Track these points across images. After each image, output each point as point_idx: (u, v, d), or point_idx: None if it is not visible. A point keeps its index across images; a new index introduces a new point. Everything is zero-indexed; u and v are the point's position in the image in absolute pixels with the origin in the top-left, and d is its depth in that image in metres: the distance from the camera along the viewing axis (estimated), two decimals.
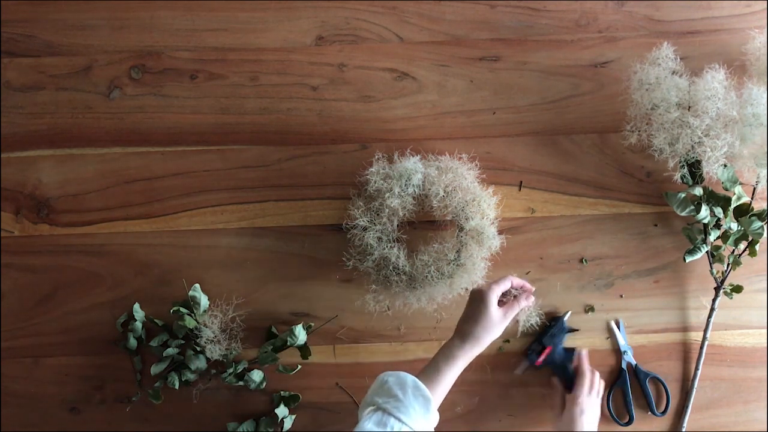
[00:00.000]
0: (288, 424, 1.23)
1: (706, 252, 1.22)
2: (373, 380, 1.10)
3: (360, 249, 1.21)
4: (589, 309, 1.26)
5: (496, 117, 1.28)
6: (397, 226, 1.21)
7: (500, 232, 1.20)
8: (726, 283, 1.22)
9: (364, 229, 1.19)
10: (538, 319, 1.18)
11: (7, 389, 1.26)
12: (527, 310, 1.16)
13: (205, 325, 1.22)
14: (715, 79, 1.17)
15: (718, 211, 1.19)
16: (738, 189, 1.19)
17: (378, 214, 1.20)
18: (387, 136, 1.28)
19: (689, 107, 1.18)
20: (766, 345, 1.25)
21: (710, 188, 1.20)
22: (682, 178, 1.20)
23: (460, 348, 1.09)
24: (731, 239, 1.20)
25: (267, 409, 1.26)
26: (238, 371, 1.23)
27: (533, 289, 1.16)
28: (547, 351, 1.21)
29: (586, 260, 1.26)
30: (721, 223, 1.21)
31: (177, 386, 1.22)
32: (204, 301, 1.23)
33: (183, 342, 1.24)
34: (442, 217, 1.23)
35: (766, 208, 1.20)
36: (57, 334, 1.26)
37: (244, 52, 1.29)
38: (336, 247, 1.26)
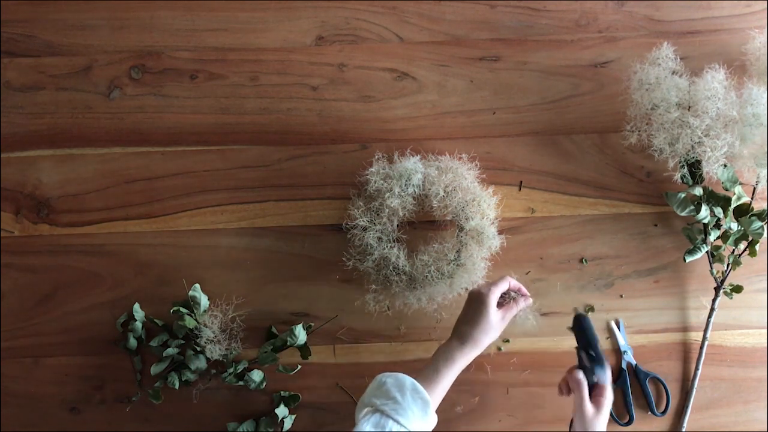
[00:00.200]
0: (288, 424, 1.23)
1: (706, 252, 1.22)
2: (372, 380, 1.10)
3: (360, 249, 1.21)
4: (589, 309, 1.26)
5: (496, 117, 1.28)
6: (397, 226, 1.21)
7: (500, 232, 1.20)
8: (726, 283, 1.22)
9: (364, 229, 1.19)
10: (534, 323, 1.16)
11: (7, 389, 1.26)
12: (525, 311, 1.16)
13: (205, 325, 1.22)
14: (715, 79, 1.17)
15: (718, 211, 1.19)
16: (738, 189, 1.19)
17: (378, 214, 1.20)
18: (387, 136, 1.28)
19: (689, 107, 1.18)
20: (766, 345, 1.25)
21: (710, 188, 1.20)
22: (682, 178, 1.20)
23: (459, 350, 1.09)
24: (731, 239, 1.20)
25: (267, 409, 1.26)
26: (238, 371, 1.23)
27: (529, 296, 1.15)
28: (603, 387, 1.15)
29: (586, 260, 1.26)
30: (721, 223, 1.21)
31: (177, 386, 1.22)
32: (204, 301, 1.23)
33: (183, 342, 1.24)
34: (442, 217, 1.23)
35: (766, 208, 1.20)
36: (57, 334, 1.26)
37: (244, 52, 1.29)
38: (336, 247, 1.26)
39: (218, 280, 1.26)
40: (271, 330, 1.25)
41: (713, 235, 1.21)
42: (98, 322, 1.26)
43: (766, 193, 1.24)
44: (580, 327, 1.13)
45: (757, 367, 1.25)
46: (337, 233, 1.26)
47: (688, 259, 1.21)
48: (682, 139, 1.16)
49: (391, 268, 1.19)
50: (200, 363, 1.22)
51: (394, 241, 1.20)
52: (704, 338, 1.23)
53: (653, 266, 1.26)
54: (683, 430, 1.23)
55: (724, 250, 1.22)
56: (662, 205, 1.26)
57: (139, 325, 1.24)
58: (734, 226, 1.19)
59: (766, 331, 1.25)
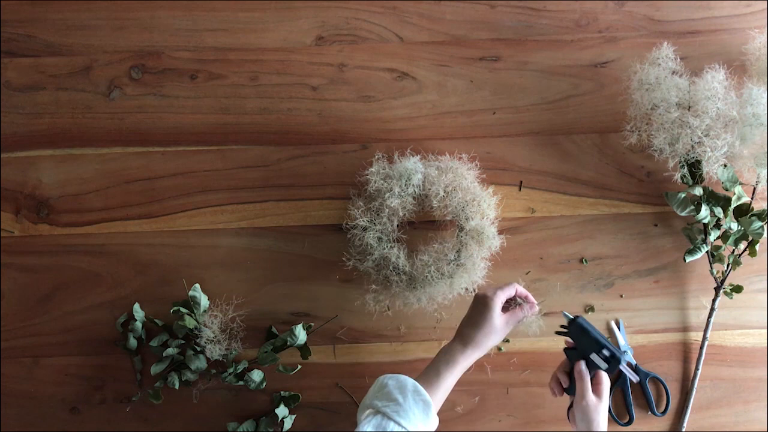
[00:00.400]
0: (288, 424, 1.23)
1: (706, 252, 1.22)
2: (373, 380, 1.10)
3: (360, 249, 1.21)
4: (589, 309, 1.26)
5: (496, 117, 1.28)
6: (397, 226, 1.21)
7: (500, 232, 1.20)
8: (726, 283, 1.22)
9: (364, 229, 1.19)
10: (537, 330, 1.15)
11: (7, 389, 1.26)
12: (529, 318, 1.15)
13: (205, 325, 1.22)
14: (715, 79, 1.17)
15: (718, 211, 1.19)
16: (738, 189, 1.19)
17: (378, 214, 1.20)
18: (387, 136, 1.28)
19: (689, 107, 1.18)
20: (766, 345, 1.25)
21: (710, 188, 1.20)
22: (682, 178, 1.20)
23: (462, 352, 1.09)
24: (731, 239, 1.20)
25: (267, 409, 1.26)
26: (238, 371, 1.23)
27: (536, 303, 1.14)
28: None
29: (586, 260, 1.26)
30: (721, 223, 1.21)
31: (177, 386, 1.22)
32: (204, 301, 1.23)
33: (183, 342, 1.24)
34: (442, 217, 1.23)
35: (766, 208, 1.20)
36: (57, 334, 1.26)
37: (244, 52, 1.29)
38: (336, 247, 1.26)
39: (218, 280, 1.26)
40: (271, 330, 1.25)
41: (713, 235, 1.21)
42: (98, 322, 1.26)
43: (766, 193, 1.24)
44: (581, 330, 1.12)
45: (757, 367, 1.25)
46: (337, 233, 1.26)
47: (688, 259, 1.21)
48: (682, 139, 1.16)
49: (391, 268, 1.19)
50: (200, 363, 1.22)
51: (394, 241, 1.20)
52: (704, 338, 1.23)
53: (653, 266, 1.26)
54: (683, 430, 1.23)
55: (724, 250, 1.22)
56: (662, 205, 1.26)
57: (139, 325, 1.24)
58: (734, 226, 1.19)
59: (766, 331, 1.25)
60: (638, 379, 1.21)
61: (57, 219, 1.28)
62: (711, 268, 1.22)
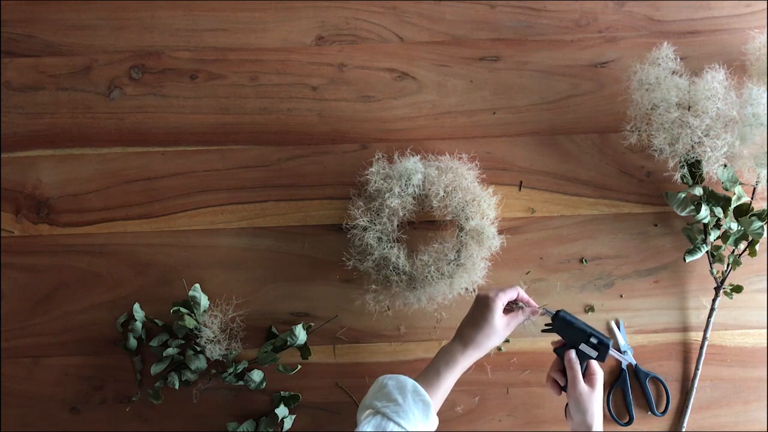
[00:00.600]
0: (288, 424, 1.23)
1: (706, 252, 1.22)
2: (373, 380, 1.10)
3: (360, 249, 1.21)
4: (589, 309, 1.26)
5: (496, 117, 1.28)
6: (397, 226, 1.21)
7: (500, 232, 1.20)
8: (726, 283, 1.22)
9: (364, 229, 1.19)
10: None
11: (7, 389, 1.26)
12: (531, 321, 1.15)
13: (205, 325, 1.22)
14: (715, 79, 1.17)
15: (718, 211, 1.19)
16: (738, 189, 1.19)
17: (378, 214, 1.20)
18: (387, 136, 1.28)
19: (689, 107, 1.18)
20: (766, 345, 1.25)
21: (710, 188, 1.20)
22: (682, 178, 1.20)
23: (462, 353, 1.09)
24: (731, 239, 1.20)
25: (267, 409, 1.26)
26: (238, 371, 1.23)
27: (538, 307, 1.14)
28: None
29: (586, 260, 1.26)
30: (721, 223, 1.21)
31: (177, 386, 1.22)
32: (204, 301, 1.23)
33: (183, 342, 1.24)
34: (442, 217, 1.23)
35: (766, 208, 1.20)
36: (57, 334, 1.26)
37: (244, 52, 1.29)
38: (336, 247, 1.26)
39: (218, 280, 1.26)
40: (271, 330, 1.26)
41: (713, 235, 1.21)
42: (98, 322, 1.26)
43: (766, 193, 1.24)
44: (565, 323, 1.13)
45: (757, 367, 1.25)
46: (337, 233, 1.26)
47: (688, 259, 1.21)
48: (682, 139, 1.16)
49: (391, 268, 1.19)
50: (200, 363, 1.22)
51: (394, 241, 1.20)
52: (704, 338, 1.23)
53: (653, 266, 1.26)
54: (683, 430, 1.23)
55: (724, 250, 1.22)
56: (662, 205, 1.26)
57: (139, 325, 1.24)
58: (734, 226, 1.19)
59: (766, 331, 1.25)
60: (627, 361, 1.22)
61: (57, 219, 1.28)
62: (711, 268, 1.22)
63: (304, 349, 1.23)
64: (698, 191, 1.19)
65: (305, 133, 1.28)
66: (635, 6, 1.29)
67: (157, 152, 1.28)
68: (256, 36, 1.29)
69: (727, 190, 1.20)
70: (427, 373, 1.09)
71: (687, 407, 1.24)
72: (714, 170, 1.16)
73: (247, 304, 1.26)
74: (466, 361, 1.09)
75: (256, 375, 1.23)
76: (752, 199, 1.21)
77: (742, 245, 1.22)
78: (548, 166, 1.27)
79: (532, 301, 1.14)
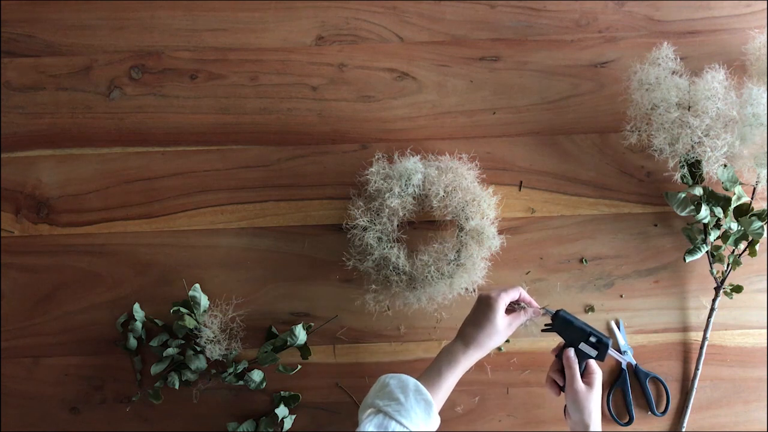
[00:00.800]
0: (288, 424, 1.23)
1: (706, 252, 1.22)
2: (373, 380, 1.10)
3: (360, 249, 1.21)
4: (589, 309, 1.26)
5: (496, 117, 1.28)
6: (397, 226, 1.21)
7: (500, 232, 1.20)
8: (726, 283, 1.22)
9: (364, 229, 1.19)
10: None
11: (7, 389, 1.26)
12: (533, 321, 1.15)
13: (205, 325, 1.22)
14: (715, 79, 1.17)
15: (718, 211, 1.19)
16: (738, 189, 1.19)
17: (378, 214, 1.20)
18: (387, 136, 1.28)
19: (689, 107, 1.18)
20: (766, 345, 1.25)
21: (710, 188, 1.20)
22: (682, 178, 1.20)
23: (463, 352, 1.09)
24: (731, 239, 1.20)
25: (267, 409, 1.26)
26: (238, 371, 1.23)
27: (539, 311, 1.14)
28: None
29: (586, 260, 1.26)
30: (721, 223, 1.21)
31: (177, 386, 1.22)
32: (204, 301, 1.23)
33: (183, 342, 1.24)
34: (442, 217, 1.23)
35: (766, 208, 1.20)
36: (57, 334, 1.26)
37: (244, 52, 1.29)
38: (336, 247, 1.26)
39: (218, 280, 1.26)
40: (271, 330, 1.26)
41: (713, 235, 1.21)
42: (98, 322, 1.26)
43: (766, 193, 1.24)
44: (565, 322, 1.13)
45: (757, 367, 1.25)
46: (337, 233, 1.26)
47: (688, 259, 1.21)
48: (682, 139, 1.16)
49: (391, 268, 1.19)
50: (200, 363, 1.22)
51: (394, 241, 1.20)
52: (704, 338, 1.23)
53: (653, 266, 1.26)
54: (683, 430, 1.23)
55: (724, 250, 1.22)
56: (662, 205, 1.26)
57: (139, 325, 1.24)
58: (734, 226, 1.19)
59: (766, 331, 1.25)
60: (627, 361, 1.22)
61: (57, 219, 1.28)
62: (711, 268, 1.22)
63: (304, 349, 1.23)
64: (698, 191, 1.19)
65: (305, 133, 1.28)
66: (635, 6, 1.29)
67: (157, 152, 1.28)
68: (256, 36, 1.29)
69: (727, 190, 1.20)
70: (429, 372, 1.09)
71: (687, 407, 1.24)
72: (714, 170, 1.16)
73: (247, 304, 1.26)
74: (467, 361, 1.09)
75: (256, 375, 1.23)
76: (752, 199, 1.21)
77: (742, 245, 1.22)
78: (548, 166, 1.27)
79: (533, 302, 1.15)
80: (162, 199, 1.28)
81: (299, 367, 1.24)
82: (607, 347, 1.12)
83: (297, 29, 1.29)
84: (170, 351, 1.22)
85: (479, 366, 1.24)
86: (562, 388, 1.15)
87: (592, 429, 1.10)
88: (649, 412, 1.24)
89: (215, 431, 1.25)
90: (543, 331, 1.15)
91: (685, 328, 1.26)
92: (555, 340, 1.21)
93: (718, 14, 1.29)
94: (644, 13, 1.29)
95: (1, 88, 1.29)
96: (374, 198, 1.20)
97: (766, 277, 1.26)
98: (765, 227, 1.18)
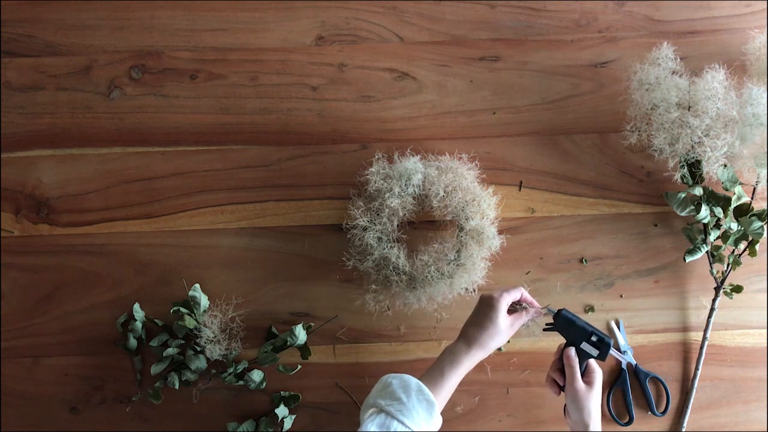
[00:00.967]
0: (288, 424, 1.23)
1: (706, 252, 1.22)
2: (373, 380, 1.10)
3: (360, 249, 1.21)
4: (589, 309, 1.26)
5: (496, 117, 1.28)
6: (397, 226, 1.21)
7: (500, 232, 1.20)
8: (726, 283, 1.22)
9: (364, 229, 1.19)
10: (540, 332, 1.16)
11: (7, 389, 1.26)
12: (535, 321, 1.15)
13: (205, 325, 1.22)
14: (715, 79, 1.17)
15: (718, 211, 1.19)
16: (738, 189, 1.19)
17: (378, 214, 1.20)
18: (387, 136, 1.28)
19: (689, 107, 1.18)
20: (766, 345, 1.25)
21: (710, 188, 1.20)
22: (682, 178, 1.20)
23: (466, 353, 1.09)
24: (731, 239, 1.20)
25: (267, 409, 1.26)
26: (238, 371, 1.23)
27: (540, 310, 1.14)
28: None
29: (586, 260, 1.26)
30: (721, 223, 1.21)
31: (177, 386, 1.22)
32: (204, 301, 1.23)
33: (183, 342, 1.24)
34: (442, 217, 1.23)
35: (766, 208, 1.20)
36: (57, 334, 1.26)
37: (244, 52, 1.29)
38: (336, 247, 1.26)
39: (218, 280, 1.26)
40: (271, 330, 1.26)
41: (713, 235, 1.21)
42: (98, 322, 1.26)
43: (766, 193, 1.24)
44: (567, 321, 1.13)
45: (757, 367, 1.25)
46: (337, 233, 1.26)
47: (688, 259, 1.21)
48: (682, 139, 1.16)
49: (391, 268, 1.19)
50: (200, 363, 1.22)
51: (394, 241, 1.20)
52: (704, 338, 1.23)
53: (653, 266, 1.26)
54: (683, 430, 1.23)
55: (724, 250, 1.22)
56: (662, 205, 1.26)
57: (139, 325, 1.24)
58: (734, 226, 1.19)
59: (766, 331, 1.25)
60: (627, 361, 1.22)
61: (57, 219, 1.28)
62: (711, 268, 1.22)
63: (304, 349, 1.23)
64: (698, 191, 1.19)
65: (305, 133, 1.28)
66: (635, 6, 1.29)
67: (157, 152, 1.28)
68: (256, 36, 1.29)
69: (727, 190, 1.20)
70: (431, 372, 1.09)
71: (687, 407, 1.24)
72: (714, 170, 1.16)
73: (247, 304, 1.26)
74: (470, 361, 1.09)
75: (256, 375, 1.23)
76: (752, 199, 1.21)
77: (742, 245, 1.22)
78: (548, 166, 1.27)
79: (535, 302, 1.15)
80: (162, 199, 1.28)
81: (299, 367, 1.24)
82: (608, 347, 1.12)
83: (297, 29, 1.29)
84: (170, 351, 1.22)
85: (479, 366, 1.23)
86: (562, 388, 1.15)
87: (591, 428, 1.10)
88: (649, 412, 1.24)
89: (215, 431, 1.25)
90: (545, 330, 1.16)
91: (685, 328, 1.26)
92: (555, 340, 1.21)
93: (718, 14, 1.29)
94: (644, 13, 1.29)
95: (1, 88, 1.29)
96: (374, 198, 1.20)
97: (766, 277, 1.26)
98: (765, 227, 1.18)
